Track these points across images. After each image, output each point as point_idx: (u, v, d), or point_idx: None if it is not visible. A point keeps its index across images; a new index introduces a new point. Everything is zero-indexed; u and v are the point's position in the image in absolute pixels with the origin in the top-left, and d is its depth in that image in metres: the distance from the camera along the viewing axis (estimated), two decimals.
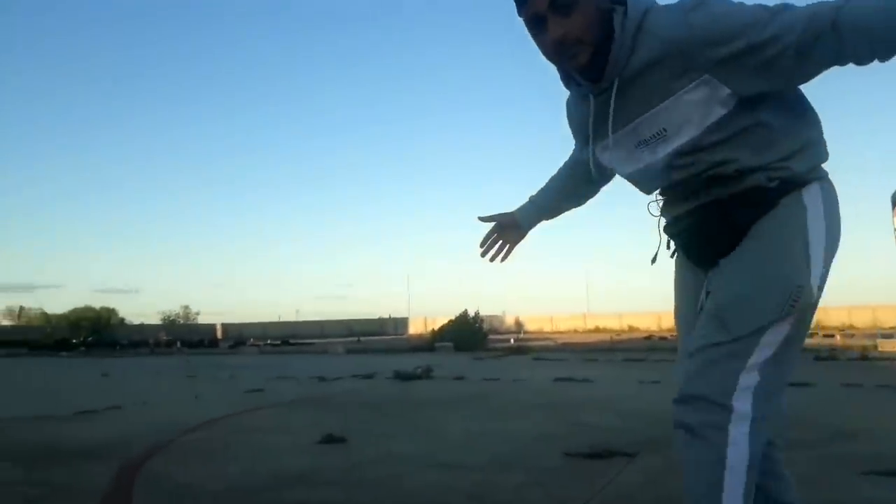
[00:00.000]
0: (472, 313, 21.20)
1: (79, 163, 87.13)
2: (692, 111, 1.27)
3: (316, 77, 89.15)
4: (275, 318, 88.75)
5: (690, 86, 1.25)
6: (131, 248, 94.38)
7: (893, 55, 1.15)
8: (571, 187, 1.75)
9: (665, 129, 1.31)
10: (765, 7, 1.20)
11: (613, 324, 47.59)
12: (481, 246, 1.80)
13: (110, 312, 70.59)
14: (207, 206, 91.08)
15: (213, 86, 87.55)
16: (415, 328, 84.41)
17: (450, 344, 18.82)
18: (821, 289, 1.30)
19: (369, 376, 9.32)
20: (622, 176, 1.52)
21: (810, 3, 1.17)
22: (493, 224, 1.79)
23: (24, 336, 53.54)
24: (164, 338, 43.28)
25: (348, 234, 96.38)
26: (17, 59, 79.17)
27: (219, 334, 69.67)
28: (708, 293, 1.36)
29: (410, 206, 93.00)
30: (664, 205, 1.49)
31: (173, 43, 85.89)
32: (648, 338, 25.30)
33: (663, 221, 1.50)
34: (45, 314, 79.60)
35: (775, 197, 1.30)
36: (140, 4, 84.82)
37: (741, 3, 1.22)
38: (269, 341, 45.15)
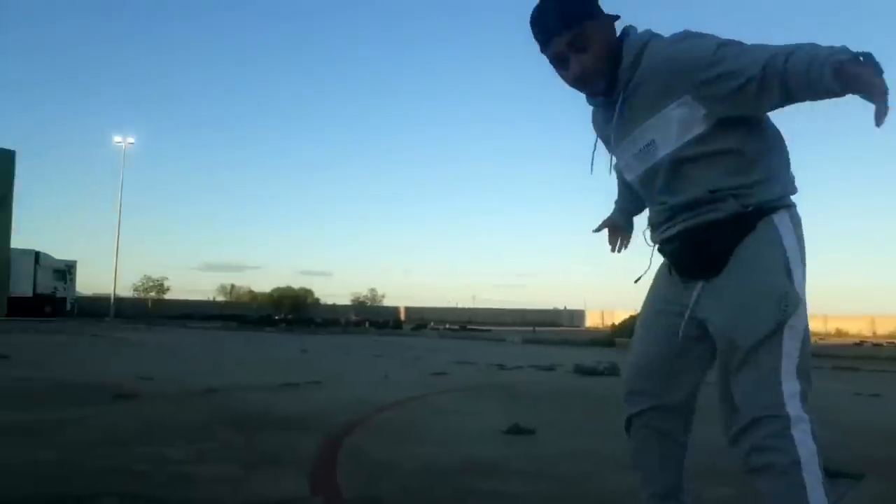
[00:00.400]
0: None
1: (284, 157, 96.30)
2: (674, 127, 1.51)
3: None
4: (453, 304, 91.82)
5: (672, 104, 1.49)
6: (327, 234, 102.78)
7: (823, 99, 1.33)
8: (627, 189, 1.96)
9: (654, 141, 1.55)
10: (738, 43, 1.42)
11: (818, 326, 43.03)
12: (610, 244, 2.10)
13: (307, 292, 77.01)
14: (395, 196, 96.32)
15: (417, 76, 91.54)
16: (591, 321, 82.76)
17: (630, 340, 18.14)
18: (803, 296, 1.48)
19: (550, 368, 9.21)
20: (630, 182, 1.75)
21: (777, 45, 1.37)
22: (607, 228, 2.08)
23: (234, 311, 60.54)
24: (354, 318, 46.43)
25: (529, 225, 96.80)
26: (235, 59, 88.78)
27: (402, 316, 73.58)
28: (701, 319, 1.58)
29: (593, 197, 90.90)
30: (653, 228, 1.69)
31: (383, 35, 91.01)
32: (859, 344, 22.52)
33: (656, 244, 1.71)
34: (251, 292, 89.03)
35: (753, 221, 1.49)
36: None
37: (718, 38, 1.44)
38: (447, 325, 46.79)
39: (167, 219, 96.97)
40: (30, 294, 34.17)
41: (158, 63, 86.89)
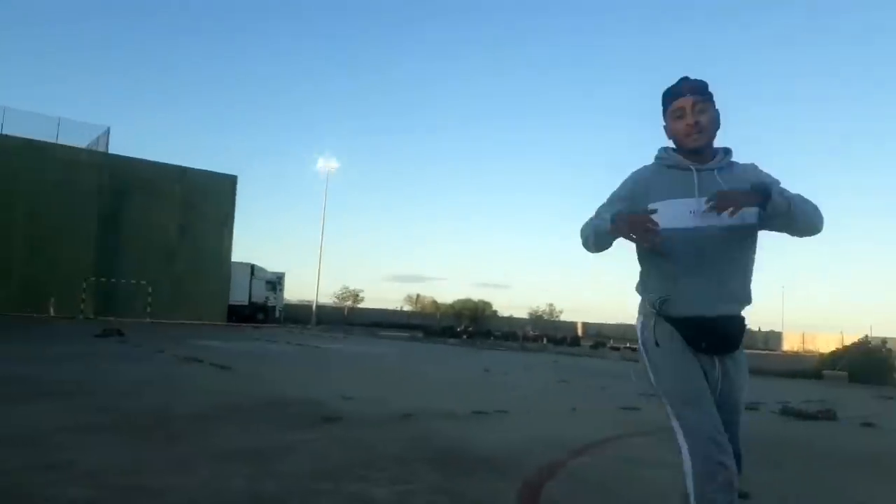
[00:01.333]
0: (870, 336, 17.85)
1: (466, 174, 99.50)
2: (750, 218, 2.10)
3: None
4: (630, 322, 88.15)
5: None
6: (506, 248, 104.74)
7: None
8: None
9: (743, 216, 2.06)
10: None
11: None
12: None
13: (486, 305, 78.64)
14: (572, 211, 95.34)
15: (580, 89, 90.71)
16: (789, 344, 75.09)
17: (843, 373, 16.12)
18: None
19: (753, 407, 8.43)
20: (688, 230, 2.12)
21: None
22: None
23: (419, 321, 63.33)
24: (532, 332, 46.27)
25: None
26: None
27: (579, 332, 72.20)
28: (726, 381, 2.17)
29: None
30: (680, 301, 2.13)
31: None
32: None
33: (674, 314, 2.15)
34: (435, 302, 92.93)
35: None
36: None
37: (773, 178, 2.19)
38: (627, 344, 45.07)
39: (363, 234, 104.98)
40: (246, 302, 38.35)
41: (353, 90, 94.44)
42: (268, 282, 40.01)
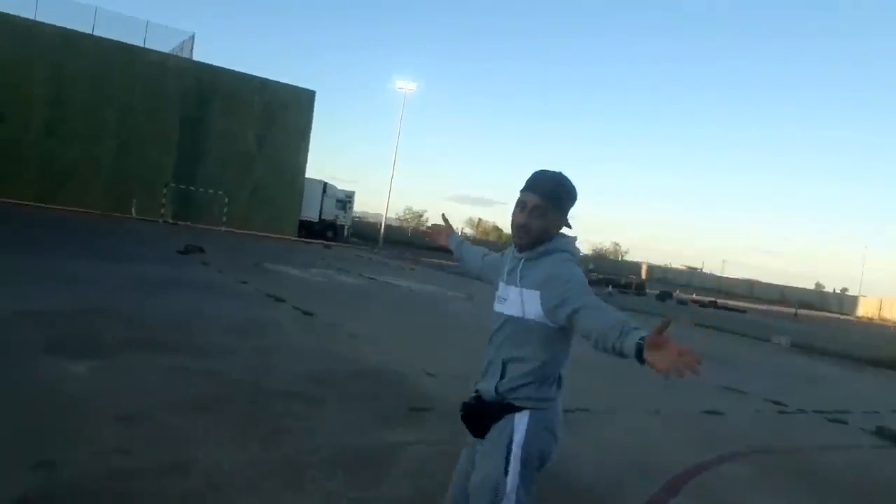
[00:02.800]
0: None
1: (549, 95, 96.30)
2: (524, 301, 2.24)
3: None
4: (698, 266, 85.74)
5: (531, 289, 2.21)
6: (575, 177, 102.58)
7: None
8: (470, 260, 2.90)
9: (507, 297, 2.32)
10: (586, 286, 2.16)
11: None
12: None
13: None
14: (650, 140, 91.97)
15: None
16: (864, 309, 72.03)
17: None
18: (522, 476, 2.18)
19: (838, 419, 8.07)
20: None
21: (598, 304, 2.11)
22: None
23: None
24: (593, 273, 45.65)
25: (792, 194, 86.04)
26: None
27: (643, 275, 71.02)
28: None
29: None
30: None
31: None
32: None
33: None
34: (497, 228, 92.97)
35: (509, 410, 2.24)
36: None
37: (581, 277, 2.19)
38: (694, 295, 44.13)
39: (431, 153, 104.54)
40: (316, 219, 39.16)
41: (438, 11, 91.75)
42: (338, 200, 40.55)
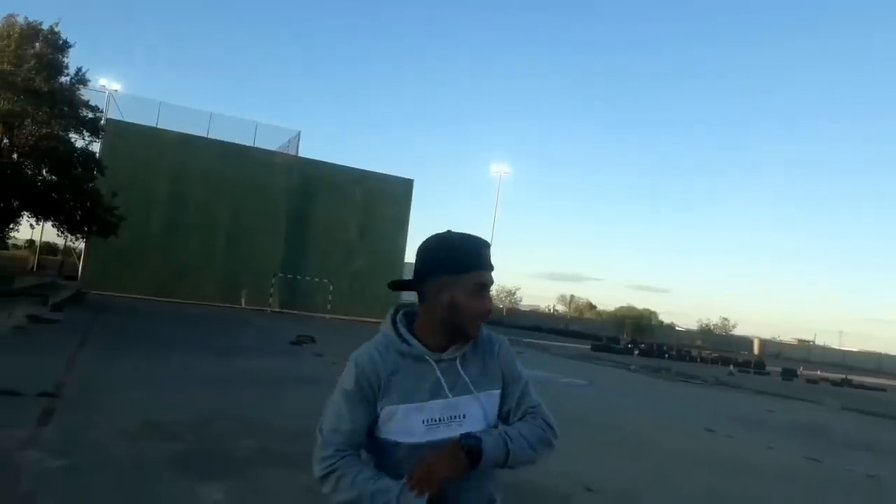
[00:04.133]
0: None
1: (631, 171, 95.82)
2: (487, 409, 1.75)
3: None
4: (810, 338, 79.33)
5: (490, 389, 1.75)
6: (665, 249, 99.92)
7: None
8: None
9: (465, 414, 1.72)
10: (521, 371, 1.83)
11: None
12: None
13: (651, 314, 74.75)
14: (744, 213, 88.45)
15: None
16: None
17: None
18: None
19: None
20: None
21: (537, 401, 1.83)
22: None
23: (578, 327, 61.50)
24: (705, 350, 43.01)
25: None
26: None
27: (755, 350, 66.43)
28: None
29: None
30: None
31: None
32: None
33: None
34: (590, 304, 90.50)
35: None
36: None
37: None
38: (819, 372, 40.45)
39: (521, 231, 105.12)
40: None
41: (526, 99, 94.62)
42: None
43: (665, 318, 77.34)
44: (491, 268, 1.72)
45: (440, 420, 1.66)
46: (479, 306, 1.67)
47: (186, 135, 33.39)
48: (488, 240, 1.78)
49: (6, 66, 20.29)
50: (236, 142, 34.46)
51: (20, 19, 21.47)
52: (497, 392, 1.76)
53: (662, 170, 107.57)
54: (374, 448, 1.71)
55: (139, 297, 29.31)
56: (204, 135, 34.04)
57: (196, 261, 32.67)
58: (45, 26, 21.94)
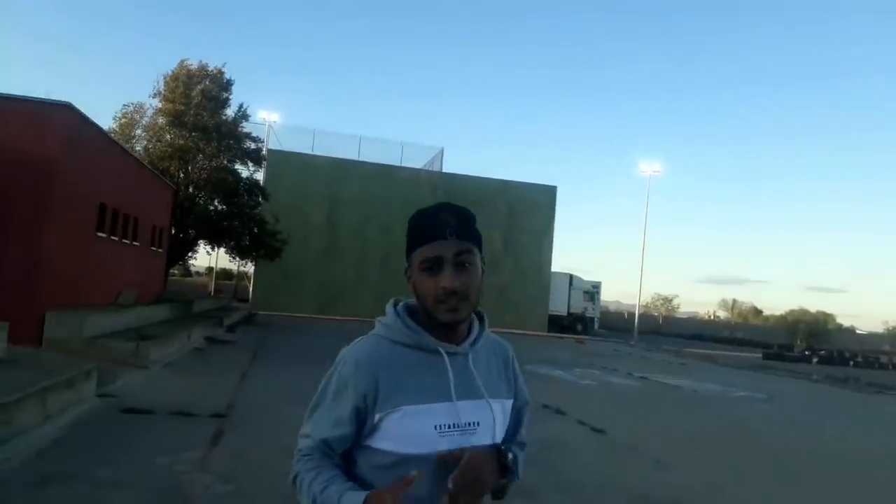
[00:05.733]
0: None
1: (802, 164, 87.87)
2: (497, 419, 1.49)
3: None
4: None
5: (502, 398, 1.52)
6: (843, 247, 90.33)
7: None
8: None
9: (478, 421, 1.45)
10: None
11: None
12: None
13: (827, 317, 67.53)
14: None
15: None
16: None
17: None
18: None
19: None
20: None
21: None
22: None
23: (743, 333, 56.84)
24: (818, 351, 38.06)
25: None
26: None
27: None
28: None
29: None
30: None
31: None
32: None
33: None
34: (755, 308, 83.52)
35: None
36: None
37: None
38: None
39: (676, 234, 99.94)
40: (565, 313, 38.22)
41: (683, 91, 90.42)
42: (585, 292, 39.38)
43: (843, 321, 69.68)
44: (443, 236, 1.40)
45: (455, 426, 1.39)
46: (430, 285, 1.40)
47: (339, 159, 35.02)
48: (464, 209, 1.48)
49: (179, 106, 22.30)
50: (385, 163, 35.62)
51: (192, 64, 23.58)
52: (510, 403, 1.54)
53: (833, 165, 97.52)
54: (357, 455, 1.44)
55: (303, 314, 30.98)
56: (355, 158, 35.51)
57: (351, 282, 34.01)
58: (212, 67, 23.91)
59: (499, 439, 1.47)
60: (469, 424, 1.41)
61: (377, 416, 1.38)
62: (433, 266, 1.41)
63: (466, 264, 1.41)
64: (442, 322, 1.42)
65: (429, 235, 1.42)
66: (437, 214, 1.44)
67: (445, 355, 1.42)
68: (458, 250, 1.40)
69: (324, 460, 1.41)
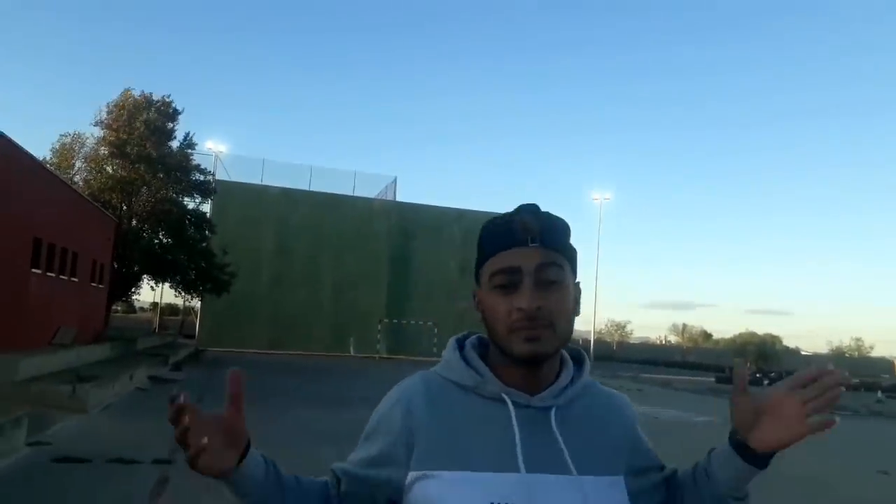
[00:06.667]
0: None
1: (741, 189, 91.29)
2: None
3: None
4: None
5: (605, 474, 1.09)
6: (783, 268, 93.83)
7: None
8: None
9: None
10: None
11: None
12: None
13: (774, 339, 69.43)
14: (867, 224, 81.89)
15: None
16: None
17: None
18: None
19: None
20: None
21: None
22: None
23: (695, 357, 57.90)
24: (850, 378, 39.12)
25: None
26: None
27: None
28: None
29: None
30: None
31: None
32: None
33: None
34: (704, 332, 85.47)
35: None
36: None
37: None
38: None
39: (625, 260, 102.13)
40: None
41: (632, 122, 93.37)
42: None
43: (789, 343, 71.75)
44: (523, 242, 1.05)
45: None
46: (503, 306, 1.04)
47: (289, 189, 34.47)
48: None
49: (121, 136, 21.58)
50: (336, 192, 35.22)
51: (136, 93, 22.91)
52: (619, 480, 1.07)
53: (769, 185, 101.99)
54: None
55: (252, 350, 30.01)
56: (306, 188, 35.02)
57: (304, 311, 33.25)
58: (157, 97, 23.29)
59: None
60: None
61: (410, 478, 1.02)
62: (508, 282, 1.05)
63: (554, 281, 1.05)
64: (517, 356, 1.04)
65: (504, 242, 1.08)
66: (516, 217, 1.10)
67: (511, 405, 1.05)
68: (542, 261, 1.05)
69: (313, 482, 1.10)
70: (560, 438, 1.04)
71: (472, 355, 1.11)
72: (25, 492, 5.66)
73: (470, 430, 1.03)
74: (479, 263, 1.13)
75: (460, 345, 1.15)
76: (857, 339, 72.62)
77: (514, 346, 1.03)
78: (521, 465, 0.99)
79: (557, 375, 1.11)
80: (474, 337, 1.19)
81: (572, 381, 1.12)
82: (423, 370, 1.14)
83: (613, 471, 1.07)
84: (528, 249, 1.04)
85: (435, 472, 1.00)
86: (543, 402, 1.06)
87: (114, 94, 23.20)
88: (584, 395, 1.13)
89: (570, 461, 1.02)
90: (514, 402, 1.05)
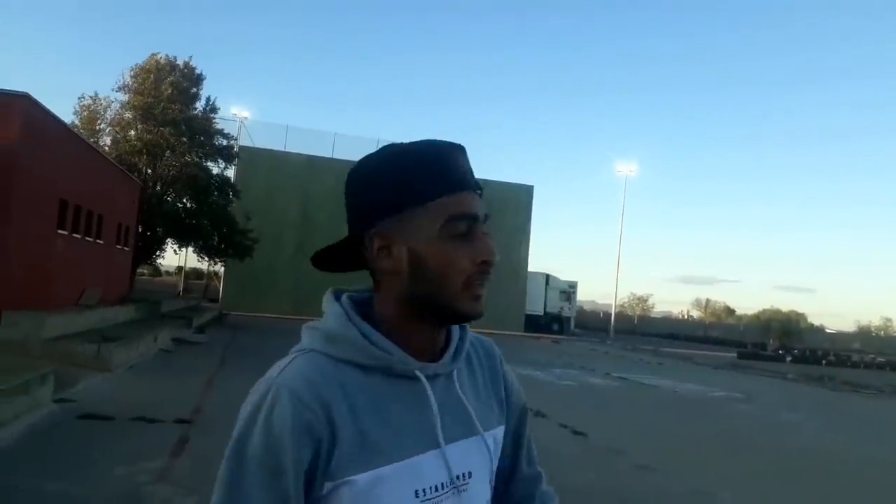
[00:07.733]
0: None
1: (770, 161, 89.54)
2: (493, 455, 1.06)
3: None
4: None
5: (497, 426, 1.07)
6: (809, 245, 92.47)
7: None
8: None
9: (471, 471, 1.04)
10: None
11: None
12: None
13: (798, 316, 68.51)
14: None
15: None
16: None
17: None
18: None
19: None
20: None
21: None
22: None
23: (718, 333, 57.44)
24: (869, 355, 38.79)
25: None
26: None
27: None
28: None
29: None
30: None
31: None
32: None
33: None
34: (727, 308, 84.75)
35: None
36: None
37: None
38: None
39: (650, 235, 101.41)
40: (541, 312, 38.11)
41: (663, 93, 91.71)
42: (562, 291, 39.33)
43: (814, 321, 70.87)
44: (473, 186, 0.92)
45: (443, 487, 0.90)
46: (466, 254, 0.89)
47: (312, 156, 34.45)
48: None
49: (148, 100, 21.67)
50: (357, 159, 35.07)
51: (161, 57, 22.93)
52: (501, 431, 1.04)
53: (802, 162, 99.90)
54: None
55: (274, 315, 30.40)
56: (329, 155, 34.96)
57: (326, 280, 33.27)
58: (180, 61, 23.29)
59: (492, 485, 1.01)
60: (461, 477, 0.92)
61: (326, 488, 0.84)
62: (468, 230, 0.90)
63: (487, 234, 0.93)
64: (461, 314, 0.90)
65: (451, 183, 0.90)
66: (458, 155, 0.93)
67: (426, 381, 0.91)
68: (486, 211, 0.93)
69: None
70: (465, 400, 0.96)
71: (366, 326, 0.91)
72: (51, 447, 5.81)
73: (380, 418, 0.87)
74: (417, 198, 0.90)
75: (345, 313, 0.94)
76: (887, 319, 71.44)
77: (463, 304, 0.89)
78: (441, 440, 0.90)
79: (448, 336, 0.99)
80: (346, 297, 1.00)
81: (461, 337, 1.00)
82: (290, 357, 0.91)
83: (501, 420, 1.04)
84: (476, 195, 0.92)
85: (355, 475, 0.84)
86: (447, 367, 0.95)
87: (137, 60, 23.23)
88: (467, 346, 1.02)
89: (476, 420, 0.96)
90: (427, 375, 0.91)
